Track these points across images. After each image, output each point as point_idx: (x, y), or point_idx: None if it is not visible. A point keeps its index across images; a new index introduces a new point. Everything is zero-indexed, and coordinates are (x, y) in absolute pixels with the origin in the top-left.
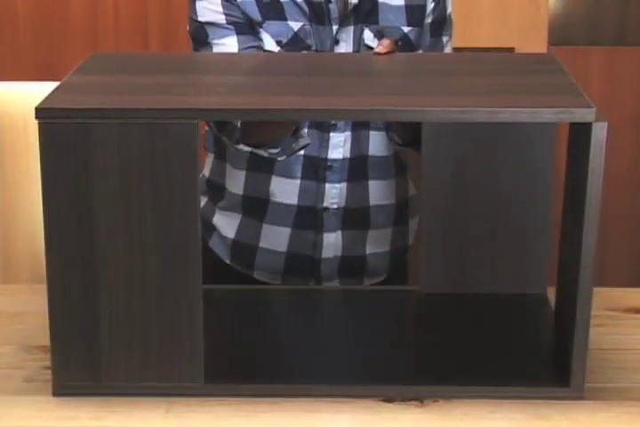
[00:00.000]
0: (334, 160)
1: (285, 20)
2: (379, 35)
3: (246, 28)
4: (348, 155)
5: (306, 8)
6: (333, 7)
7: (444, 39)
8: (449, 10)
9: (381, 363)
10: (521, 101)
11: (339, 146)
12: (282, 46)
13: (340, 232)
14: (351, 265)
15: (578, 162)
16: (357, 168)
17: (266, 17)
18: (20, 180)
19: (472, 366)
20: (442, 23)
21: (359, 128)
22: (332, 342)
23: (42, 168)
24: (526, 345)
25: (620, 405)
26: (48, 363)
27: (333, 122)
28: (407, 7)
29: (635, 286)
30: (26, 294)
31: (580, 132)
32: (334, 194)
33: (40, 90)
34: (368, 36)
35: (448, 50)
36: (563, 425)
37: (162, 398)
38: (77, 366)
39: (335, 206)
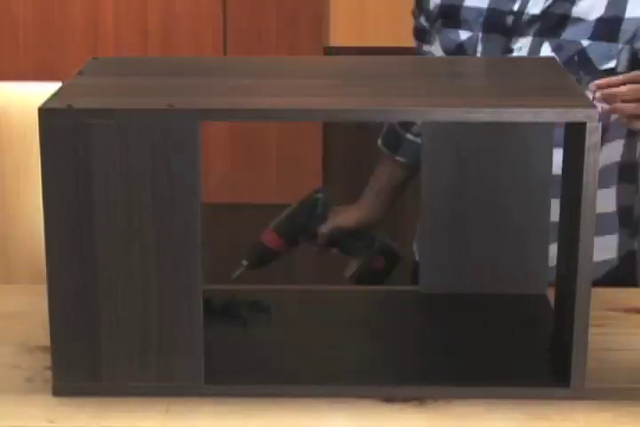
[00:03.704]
0: None
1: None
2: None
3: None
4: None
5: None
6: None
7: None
8: None
9: (381, 363)
10: (524, 102)
11: None
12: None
13: None
14: None
15: (573, 162)
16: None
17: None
18: (19, 180)
19: (472, 366)
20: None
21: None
22: (331, 342)
23: (42, 168)
24: (526, 345)
25: (620, 405)
26: (48, 363)
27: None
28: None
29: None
30: (26, 294)
31: (575, 133)
32: None
33: (39, 90)
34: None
35: None
36: (563, 425)
37: (162, 398)
38: (77, 366)
39: None
